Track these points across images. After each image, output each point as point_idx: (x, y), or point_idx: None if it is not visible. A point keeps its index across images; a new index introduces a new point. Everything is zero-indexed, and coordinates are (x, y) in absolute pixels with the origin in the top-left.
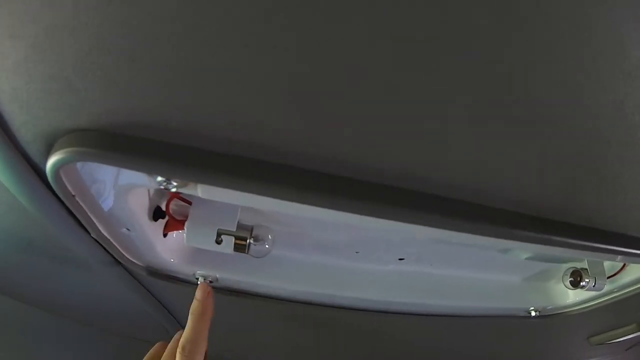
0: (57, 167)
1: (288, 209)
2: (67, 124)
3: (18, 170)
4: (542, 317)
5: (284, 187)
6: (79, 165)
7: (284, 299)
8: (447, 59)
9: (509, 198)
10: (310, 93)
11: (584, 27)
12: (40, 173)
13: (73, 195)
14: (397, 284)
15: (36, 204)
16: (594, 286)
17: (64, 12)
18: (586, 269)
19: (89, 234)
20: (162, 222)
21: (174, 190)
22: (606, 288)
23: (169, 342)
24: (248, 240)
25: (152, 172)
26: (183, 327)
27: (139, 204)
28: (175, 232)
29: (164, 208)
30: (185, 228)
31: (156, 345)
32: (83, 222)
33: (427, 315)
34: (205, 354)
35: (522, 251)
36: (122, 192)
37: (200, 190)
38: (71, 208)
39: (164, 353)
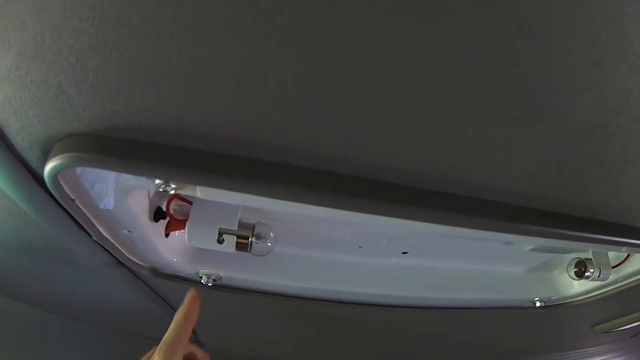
0: (55, 172)
1: (289, 207)
2: (62, 130)
3: (17, 177)
4: (547, 307)
5: (284, 187)
6: (77, 169)
7: (288, 295)
8: (447, 56)
9: (513, 192)
10: (310, 93)
11: (589, 18)
12: (39, 179)
13: (73, 199)
14: (401, 277)
15: (36, 209)
16: (598, 276)
17: (53, 18)
18: (591, 259)
19: (91, 236)
20: (163, 223)
21: (172, 192)
22: (611, 278)
23: None
24: (250, 239)
25: (149, 175)
26: None
27: (139, 205)
28: (177, 231)
29: (164, 209)
30: (186, 228)
31: (153, 347)
32: (84, 225)
33: (431, 308)
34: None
35: (526, 243)
36: (122, 194)
37: (199, 192)
38: (71, 212)
39: (150, 353)
